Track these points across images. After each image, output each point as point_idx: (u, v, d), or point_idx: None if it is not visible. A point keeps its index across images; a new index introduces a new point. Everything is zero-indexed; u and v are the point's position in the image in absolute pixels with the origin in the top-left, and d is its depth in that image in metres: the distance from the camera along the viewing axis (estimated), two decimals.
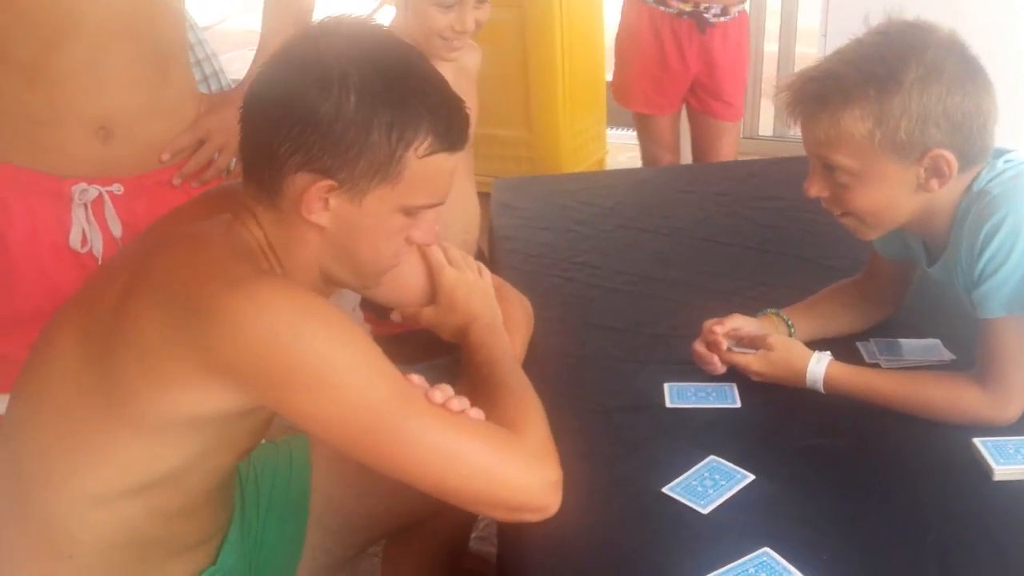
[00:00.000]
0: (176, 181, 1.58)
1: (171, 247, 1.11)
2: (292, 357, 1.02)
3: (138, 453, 1.09)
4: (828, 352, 1.38)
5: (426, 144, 1.09)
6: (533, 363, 1.51)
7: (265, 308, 1.02)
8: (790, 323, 1.51)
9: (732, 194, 2.22)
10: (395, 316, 1.46)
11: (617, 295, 1.75)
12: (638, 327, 1.62)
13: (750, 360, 1.41)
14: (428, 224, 1.18)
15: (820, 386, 1.36)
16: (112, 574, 1.16)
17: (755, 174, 2.39)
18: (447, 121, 1.11)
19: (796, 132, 1.35)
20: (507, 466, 1.09)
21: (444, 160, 1.12)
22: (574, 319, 1.66)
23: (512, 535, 1.20)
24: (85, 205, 1.49)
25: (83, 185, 1.48)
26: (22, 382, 1.16)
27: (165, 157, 1.55)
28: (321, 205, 1.09)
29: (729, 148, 2.99)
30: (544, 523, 1.16)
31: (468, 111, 1.15)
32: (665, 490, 1.23)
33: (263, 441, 1.56)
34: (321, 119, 1.05)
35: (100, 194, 1.50)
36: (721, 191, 2.24)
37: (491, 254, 1.97)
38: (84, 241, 1.51)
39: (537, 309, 1.61)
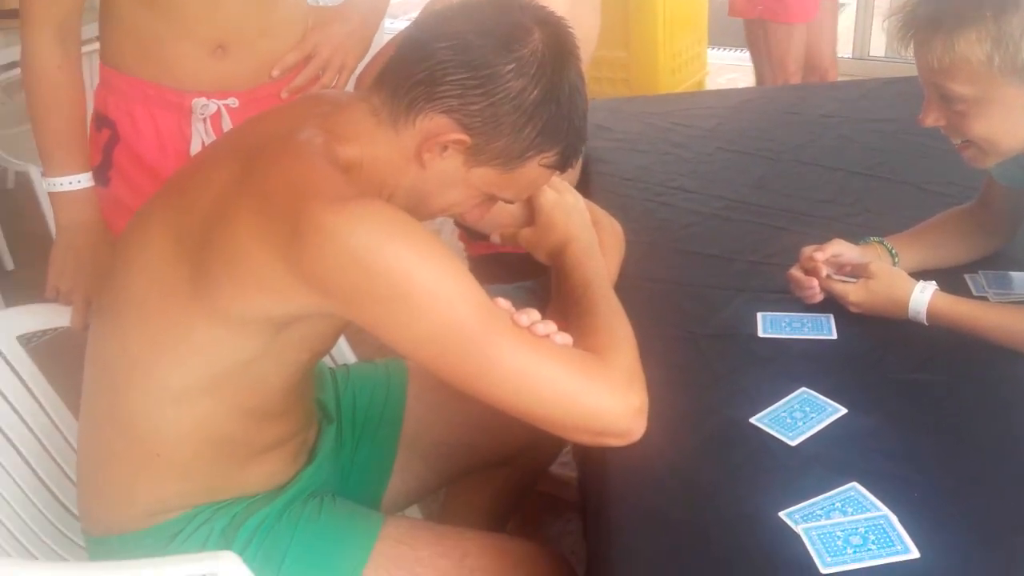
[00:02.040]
0: (284, 95, 1.61)
1: (271, 156, 1.12)
2: (378, 271, 1.03)
3: (215, 345, 1.12)
4: (933, 282, 1.33)
5: (552, 159, 1.15)
6: (624, 287, 1.50)
7: (359, 226, 1.03)
8: (894, 252, 1.45)
9: (840, 116, 2.13)
10: (494, 237, 1.47)
11: (713, 221, 1.71)
12: (734, 254, 1.58)
13: (849, 289, 1.37)
14: (487, 209, 1.23)
15: (923, 317, 1.31)
16: (199, 470, 1.21)
17: (866, 95, 2.28)
18: (575, 148, 1.17)
19: (909, 54, 1.27)
20: (591, 390, 1.09)
21: (550, 175, 1.19)
22: (667, 244, 1.64)
23: (595, 460, 1.21)
24: (204, 118, 1.56)
25: (203, 100, 1.55)
26: (111, 278, 1.21)
27: (275, 73, 1.59)
28: (439, 150, 1.12)
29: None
30: (627, 449, 1.17)
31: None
32: (753, 420, 1.21)
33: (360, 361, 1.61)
34: (501, 90, 1.08)
35: (218, 108, 1.55)
36: (828, 113, 2.15)
37: (583, 177, 1.93)
38: None
39: (630, 234, 1.59)
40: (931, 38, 1.22)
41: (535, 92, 1.08)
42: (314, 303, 1.08)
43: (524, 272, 1.72)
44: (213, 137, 1.56)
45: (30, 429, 1.49)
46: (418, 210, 1.20)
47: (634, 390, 1.12)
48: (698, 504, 1.10)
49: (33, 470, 1.48)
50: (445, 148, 1.11)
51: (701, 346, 1.37)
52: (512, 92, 1.08)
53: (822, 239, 1.44)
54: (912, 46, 1.25)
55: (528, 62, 1.08)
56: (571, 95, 1.12)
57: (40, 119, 1.53)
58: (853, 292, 1.36)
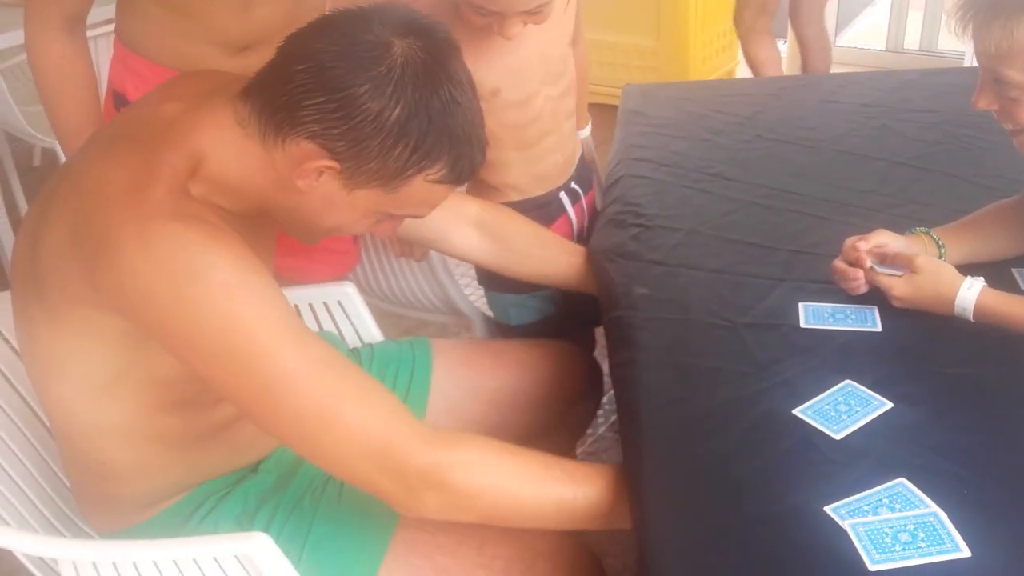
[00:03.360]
0: None
1: (115, 149, 1.10)
2: (178, 315, 1.01)
3: (90, 351, 1.10)
4: (981, 278, 1.29)
5: (439, 174, 1.09)
6: (662, 274, 1.48)
7: (158, 261, 0.99)
8: (941, 243, 1.41)
9: (881, 105, 2.08)
10: None
11: (754, 209, 1.67)
12: (775, 243, 1.55)
13: (894, 283, 1.33)
14: (395, 225, 1.20)
15: (970, 314, 1.27)
16: (157, 467, 1.21)
17: (906, 85, 2.23)
18: (467, 159, 1.10)
19: (943, 46, 1.24)
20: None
21: (447, 189, 1.13)
22: (707, 231, 1.60)
23: (631, 447, 1.18)
24: None
25: None
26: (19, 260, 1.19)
27: None
28: (313, 175, 1.07)
29: None
30: (665, 439, 1.15)
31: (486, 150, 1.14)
32: (796, 412, 1.18)
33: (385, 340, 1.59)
34: (359, 112, 1.02)
35: None
36: (869, 102, 2.11)
37: (616, 163, 1.90)
38: None
39: (668, 220, 1.57)
40: (990, 22, 1.19)
41: (396, 111, 1.02)
42: (126, 325, 1.06)
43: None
44: None
45: (34, 412, 1.48)
46: (309, 231, 1.17)
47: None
48: (740, 497, 1.07)
49: (40, 453, 1.47)
50: (320, 173, 1.06)
51: (742, 335, 1.34)
52: (370, 114, 1.02)
53: (865, 229, 1.40)
54: (970, 29, 1.22)
55: (384, 81, 1.02)
56: (447, 106, 1.05)
57: (53, 109, 1.52)
58: (898, 286, 1.33)
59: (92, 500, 1.29)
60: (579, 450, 2.04)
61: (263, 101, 1.07)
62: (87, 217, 1.04)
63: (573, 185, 1.74)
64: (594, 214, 1.82)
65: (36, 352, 1.15)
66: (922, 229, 1.44)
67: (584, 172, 1.80)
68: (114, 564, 1.18)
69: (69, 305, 1.07)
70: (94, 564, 1.18)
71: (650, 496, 1.09)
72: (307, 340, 1.06)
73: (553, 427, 1.52)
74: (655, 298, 1.42)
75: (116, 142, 1.12)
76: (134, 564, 1.18)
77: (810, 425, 1.16)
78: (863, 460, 1.10)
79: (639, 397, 1.24)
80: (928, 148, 1.84)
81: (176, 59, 1.48)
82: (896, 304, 1.34)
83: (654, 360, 1.31)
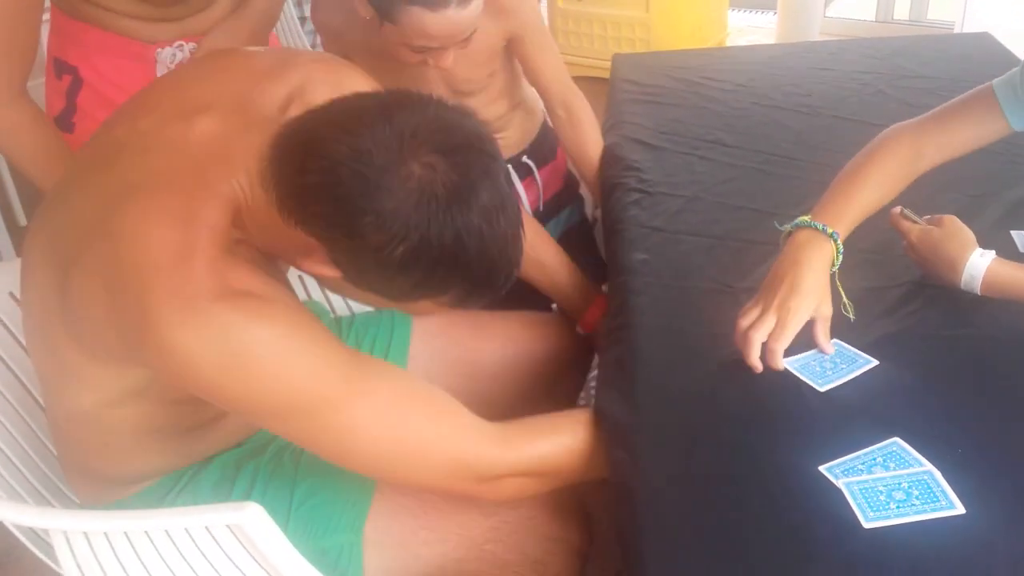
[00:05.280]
0: None
1: (141, 202, 0.99)
2: (225, 395, 1.00)
3: (113, 378, 1.08)
4: (992, 251, 1.25)
5: (448, 300, 1.02)
6: (661, 241, 1.46)
7: (205, 346, 0.95)
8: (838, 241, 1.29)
9: (875, 72, 2.06)
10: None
11: (754, 174, 1.65)
12: (775, 208, 1.52)
13: (912, 229, 1.28)
14: None
15: (978, 283, 1.22)
16: (153, 451, 1.19)
17: (898, 52, 2.21)
18: (484, 288, 1.01)
19: (933, 15, 1.20)
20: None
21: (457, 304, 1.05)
22: (708, 198, 1.58)
23: (625, 412, 1.16)
24: (167, 65, 1.52)
25: (168, 49, 1.51)
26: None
27: None
28: (319, 265, 1.02)
29: None
30: (660, 390, 1.16)
31: (513, 274, 1.02)
32: (785, 363, 1.18)
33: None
34: (362, 242, 0.93)
35: (183, 54, 1.51)
36: (863, 69, 2.09)
37: (611, 127, 1.87)
38: None
39: (668, 187, 1.54)
40: None
41: (400, 249, 0.92)
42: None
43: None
44: None
45: (24, 386, 1.45)
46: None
47: None
48: (734, 458, 1.07)
49: (26, 421, 1.44)
50: (326, 264, 1.01)
51: (741, 300, 1.32)
52: (371, 245, 0.93)
53: None
54: None
55: (390, 218, 0.91)
56: (464, 239, 0.94)
57: (30, 172, 1.48)
58: (915, 232, 1.27)
59: (79, 472, 1.26)
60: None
61: (278, 179, 0.99)
62: (124, 281, 0.97)
63: (524, 159, 1.71)
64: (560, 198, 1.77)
65: (50, 352, 1.11)
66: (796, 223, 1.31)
67: (541, 147, 1.75)
68: (105, 535, 1.15)
69: (102, 347, 1.03)
70: (85, 535, 1.15)
71: (644, 457, 1.08)
72: (367, 381, 1.03)
73: (540, 397, 1.50)
74: (654, 264, 1.40)
75: (151, 178, 1.02)
76: (125, 534, 1.15)
77: (805, 384, 1.15)
78: (857, 421, 1.09)
79: (635, 361, 1.23)
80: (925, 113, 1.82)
81: (112, 20, 1.46)
82: (909, 255, 1.30)
83: (652, 324, 1.29)
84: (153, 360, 0.99)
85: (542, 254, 1.57)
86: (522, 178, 1.71)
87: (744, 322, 1.19)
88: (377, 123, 0.93)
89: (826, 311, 1.21)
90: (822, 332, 1.20)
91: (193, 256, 0.96)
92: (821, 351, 1.20)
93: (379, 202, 0.91)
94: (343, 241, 0.95)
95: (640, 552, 0.97)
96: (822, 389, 1.14)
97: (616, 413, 1.16)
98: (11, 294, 1.45)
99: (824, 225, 1.25)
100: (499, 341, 1.51)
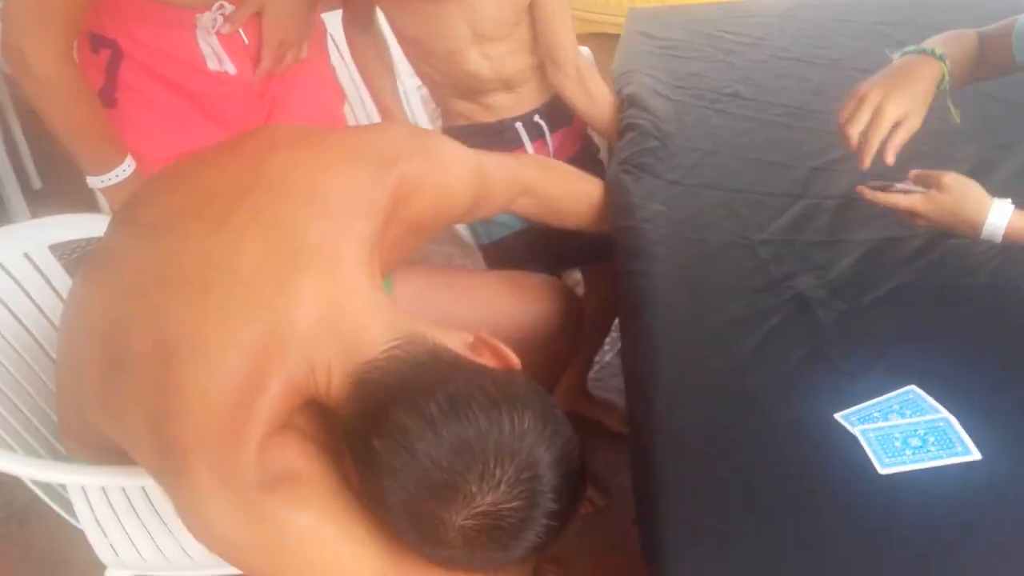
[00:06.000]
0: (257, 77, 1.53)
1: (223, 314, 0.96)
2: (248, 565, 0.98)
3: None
4: (1009, 200, 1.23)
5: None
6: (680, 194, 1.44)
7: (238, 526, 0.93)
8: (946, 61, 1.30)
9: (895, 23, 2.02)
10: None
11: (772, 128, 1.62)
12: (794, 161, 1.51)
13: (916, 200, 1.23)
14: None
15: (999, 237, 1.19)
16: None
17: (917, 3, 2.16)
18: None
19: None
20: None
21: None
22: (725, 152, 1.56)
23: (641, 373, 1.16)
24: (210, 32, 1.48)
25: (207, 14, 1.46)
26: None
27: (225, 29, 1.49)
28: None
29: None
30: (678, 352, 1.15)
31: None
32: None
33: None
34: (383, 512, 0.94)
35: (221, 17, 1.47)
36: (882, 20, 2.05)
37: (625, 84, 1.84)
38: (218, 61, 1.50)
39: (686, 140, 1.52)
40: None
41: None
42: None
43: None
44: (223, 55, 1.48)
45: (41, 347, 1.46)
46: None
47: None
48: (751, 407, 1.07)
49: (41, 379, 1.45)
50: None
51: (758, 252, 1.32)
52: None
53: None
54: None
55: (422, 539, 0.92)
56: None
57: (62, 125, 1.43)
58: (920, 203, 1.23)
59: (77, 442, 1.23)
60: (590, 375, 2.03)
61: (351, 428, 0.97)
62: (167, 416, 0.94)
63: (536, 119, 1.69)
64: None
65: (76, 393, 1.08)
66: (920, 48, 1.32)
67: (556, 111, 1.72)
68: (123, 489, 1.17)
69: (132, 445, 1.01)
70: (102, 489, 1.16)
71: (661, 405, 1.08)
72: (399, 566, 0.99)
73: (529, 361, 1.46)
74: (671, 216, 1.39)
75: (231, 296, 0.97)
76: (143, 488, 1.17)
77: (822, 336, 1.15)
78: (873, 370, 1.09)
79: (654, 312, 1.23)
80: None
81: None
82: (920, 223, 1.28)
83: (668, 275, 1.28)
84: (187, 518, 0.96)
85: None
86: (533, 139, 1.69)
87: (841, 117, 1.25)
88: (458, 445, 0.89)
89: (914, 122, 1.22)
90: (899, 139, 1.22)
91: (242, 436, 0.93)
92: (884, 160, 1.21)
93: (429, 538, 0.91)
94: (369, 494, 0.95)
95: (655, 501, 0.97)
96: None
97: (634, 363, 1.16)
98: (26, 255, 1.46)
99: (932, 48, 1.28)
100: (482, 308, 1.45)
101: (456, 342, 1.01)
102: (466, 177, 1.25)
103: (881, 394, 1.05)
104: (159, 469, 0.98)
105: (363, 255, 1.04)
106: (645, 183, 1.47)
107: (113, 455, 1.09)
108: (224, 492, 0.92)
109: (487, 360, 1.00)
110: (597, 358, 2.08)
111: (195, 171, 1.12)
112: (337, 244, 1.02)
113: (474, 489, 0.88)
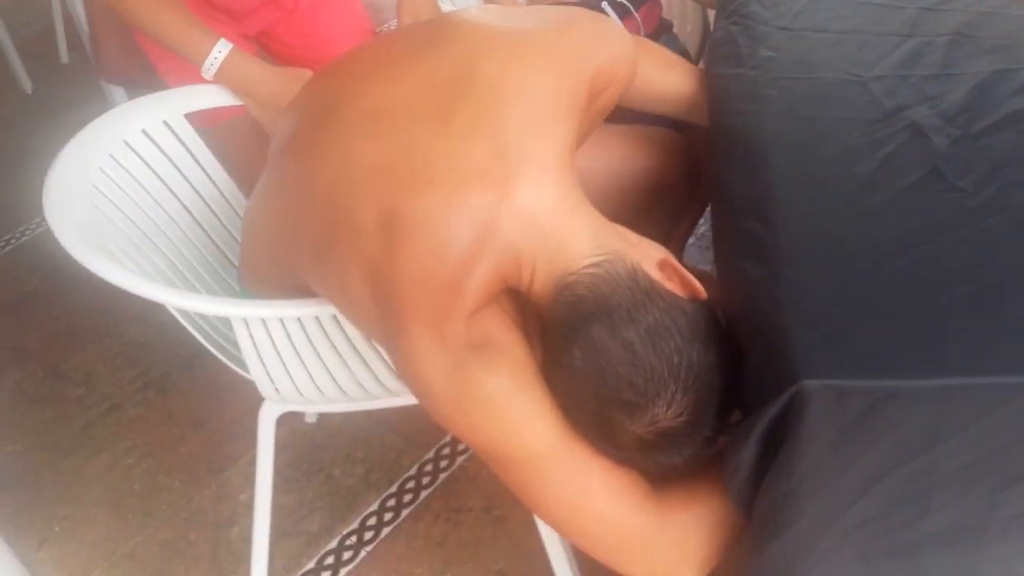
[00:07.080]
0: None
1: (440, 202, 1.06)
2: (453, 425, 1.09)
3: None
4: None
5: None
6: (787, 39, 1.45)
7: (440, 379, 1.05)
8: None
9: None
10: None
11: None
12: (903, 1, 1.49)
13: None
14: None
15: None
16: None
17: None
18: None
19: None
20: (624, 561, 1.10)
21: None
22: None
23: (760, 194, 1.19)
24: None
25: None
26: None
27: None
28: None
29: None
30: (795, 180, 1.17)
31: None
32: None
33: None
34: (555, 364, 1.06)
35: None
36: None
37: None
38: None
39: None
40: None
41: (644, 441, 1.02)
42: None
43: None
44: None
45: (196, 192, 1.57)
46: None
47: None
48: (870, 223, 1.10)
49: (204, 230, 1.57)
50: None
51: (870, 87, 1.31)
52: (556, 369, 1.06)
53: None
54: None
55: (637, 435, 1.02)
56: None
57: (151, 23, 1.54)
58: None
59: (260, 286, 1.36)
60: (691, 240, 2.05)
61: (552, 312, 1.08)
62: (391, 281, 1.07)
63: None
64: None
65: (295, 236, 1.21)
66: None
67: None
68: (281, 320, 1.26)
69: (346, 306, 1.18)
70: (263, 321, 1.26)
71: (785, 223, 1.13)
72: (564, 443, 1.07)
73: (641, 214, 1.49)
74: (780, 60, 1.41)
75: (454, 192, 1.07)
76: (299, 320, 1.26)
77: (937, 162, 1.17)
78: (991, 186, 1.11)
79: (768, 145, 1.26)
80: None
81: None
82: None
83: (780, 111, 1.31)
84: (398, 358, 1.09)
85: None
86: (622, 17, 1.70)
87: None
88: (638, 364, 1.00)
89: None
90: None
91: (455, 303, 1.05)
92: None
93: (638, 415, 1.01)
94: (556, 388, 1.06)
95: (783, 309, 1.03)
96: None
97: (744, 189, 1.21)
98: (165, 122, 1.56)
99: None
100: (617, 154, 1.53)
101: (648, 259, 1.09)
102: (632, 60, 1.32)
103: None
104: (379, 323, 1.10)
105: (568, 160, 1.12)
106: (753, 31, 1.48)
107: (293, 294, 1.23)
108: (435, 347, 1.04)
109: (675, 287, 1.07)
110: (702, 220, 2.09)
111: (401, 71, 1.19)
112: (549, 150, 1.10)
113: (659, 412, 1.00)
